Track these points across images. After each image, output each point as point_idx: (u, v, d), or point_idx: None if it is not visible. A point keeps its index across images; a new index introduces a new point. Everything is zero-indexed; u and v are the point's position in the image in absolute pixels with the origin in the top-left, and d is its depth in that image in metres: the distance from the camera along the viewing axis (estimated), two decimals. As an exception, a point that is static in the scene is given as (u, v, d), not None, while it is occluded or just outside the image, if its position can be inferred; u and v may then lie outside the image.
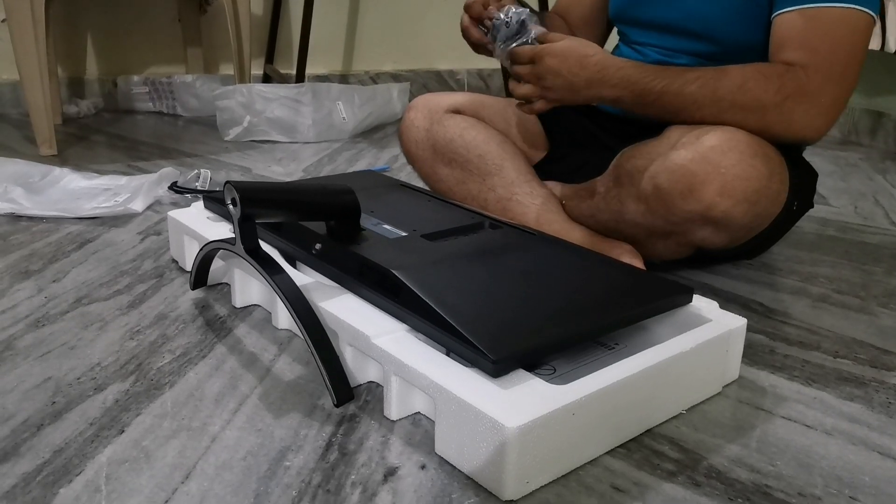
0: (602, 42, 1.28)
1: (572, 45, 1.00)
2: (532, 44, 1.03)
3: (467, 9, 1.08)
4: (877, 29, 1.94)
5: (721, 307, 0.84)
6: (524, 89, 1.03)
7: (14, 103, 2.28)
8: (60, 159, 1.76)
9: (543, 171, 1.20)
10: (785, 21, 0.96)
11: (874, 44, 1.95)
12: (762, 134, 0.95)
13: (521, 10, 1.04)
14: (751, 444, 0.72)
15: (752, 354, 0.89)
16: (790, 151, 1.02)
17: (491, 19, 1.04)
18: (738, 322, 0.81)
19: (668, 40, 1.10)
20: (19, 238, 1.24)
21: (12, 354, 0.86)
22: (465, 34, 1.10)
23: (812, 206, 1.16)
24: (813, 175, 1.13)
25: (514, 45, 1.03)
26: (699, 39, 1.02)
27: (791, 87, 0.93)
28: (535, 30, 1.03)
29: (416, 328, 0.76)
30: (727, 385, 0.82)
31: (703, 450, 0.71)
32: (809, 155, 1.20)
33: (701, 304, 0.84)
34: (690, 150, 0.91)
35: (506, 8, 1.04)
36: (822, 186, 1.65)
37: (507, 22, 1.03)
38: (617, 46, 1.23)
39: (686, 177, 0.91)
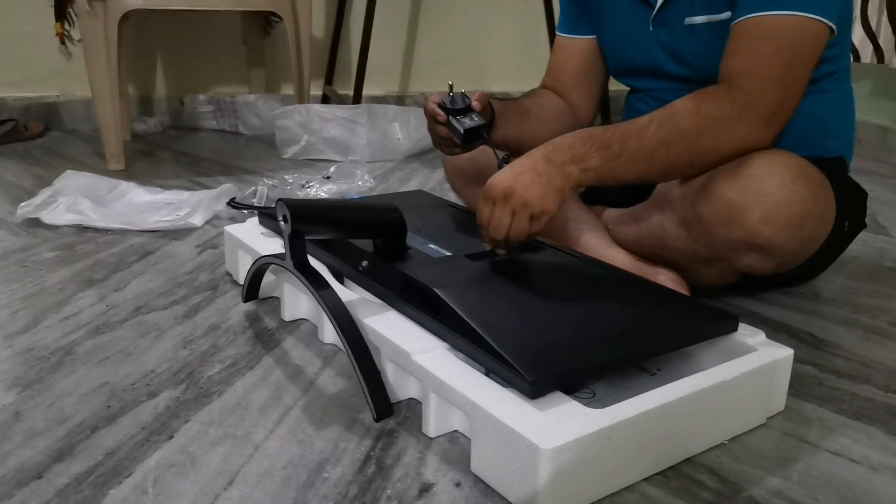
0: (600, 94, 1.28)
1: (503, 169, 0.93)
2: (476, 120, 1.04)
3: (426, 111, 1.09)
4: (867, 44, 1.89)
5: (769, 336, 0.83)
6: (514, 228, 0.90)
7: (86, 119, 2.38)
8: (128, 174, 1.84)
9: (589, 195, 1.21)
10: (736, 29, 0.95)
11: (868, 57, 1.90)
12: (733, 154, 0.93)
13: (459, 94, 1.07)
14: (793, 476, 0.70)
15: (799, 386, 0.87)
16: (835, 171, 1.00)
17: (440, 105, 1.06)
18: (784, 352, 0.80)
19: (672, 84, 1.11)
20: (85, 248, 1.30)
21: (72, 359, 0.90)
22: (432, 131, 1.11)
23: (864, 226, 1.14)
24: (861, 194, 1.11)
25: (463, 119, 1.05)
26: (701, 82, 1.01)
27: (735, 97, 0.91)
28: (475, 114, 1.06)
29: (455, 347, 0.77)
30: (772, 416, 0.81)
31: (744, 480, 0.70)
32: (869, 182, 1.17)
33: (747, 332, 0.83)
34: (730, 178, 0.91)
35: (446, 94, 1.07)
36: (882, 216, 1.60)
37: (451, 98, 1.05)
38: (627, 101, 1.25)
39: (727, 206, 0.90)
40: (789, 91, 0.93)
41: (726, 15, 1.00)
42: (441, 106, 1.05)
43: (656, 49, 1.11)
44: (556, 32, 1.29)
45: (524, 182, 0.89)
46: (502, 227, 0.90)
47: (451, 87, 1.06)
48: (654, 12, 1.09)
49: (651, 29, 1.10)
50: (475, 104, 1.05)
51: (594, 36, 1.23)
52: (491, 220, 0.91)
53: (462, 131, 1.04)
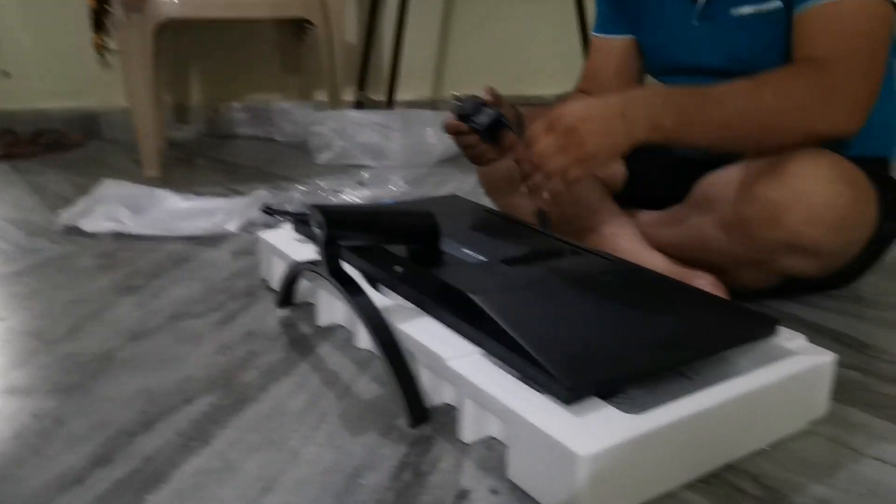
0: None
1: (578, 100, 0.93)
2: (498, 116, 1.05)
3: (448, 130, 1.11)
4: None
5: (810, 340, 0.81)
6: (557, 161, 0.91)
7: (124, 128, 2.41)
8: (164, 181, 1.87)
9: (624, 198, 1.19)
10: (805, 19, 0.93)
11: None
12: (809, 138, 0.91)
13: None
14: (838, 484, 0.69)
15: (843, 391, 0.85)
16: (877, 171, 0.98)
17: (458, 117, 1.08)
18: (825, 356, 0.78)
19: (716, 80, 1.08)
20: (124, 255, 1.32)
21: (112, 365, 0.91)
22: (461, 146, 1.12)
23: None
24: None
25: (479, 117, 1.06)
26: (745, 77, 1.00)
27: (827, 81, 0.89)
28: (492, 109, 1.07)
29: (491, 352, 0.77)
30: (815, 422, 0.79)
31: (787, 488, 0.68)
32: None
33: (787, 336, 0.82)
34: (772, 178, 0.89)
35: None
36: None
37: (461, 105, 1.07)
38: None
39: (768, 206, 0.89)
40: (872, 75, 0.91)
41: (774, 5, 0.98)
42: (459, 117, 1.07)
43: (701, 44, 1.09)
44: (592, 33, 1.28)
45: (590, 128, 0.90)
46: (548, 152, 0.91)
47: (454, 95, 1.08)
48: (701, 6, 1.07)
49: (697, 24, 1.09)
50: (485, 97, 1.06)
51: (632, 35, 1.21)
52: (540, 143, 0.91)
53: (483, 129, 1.05)
